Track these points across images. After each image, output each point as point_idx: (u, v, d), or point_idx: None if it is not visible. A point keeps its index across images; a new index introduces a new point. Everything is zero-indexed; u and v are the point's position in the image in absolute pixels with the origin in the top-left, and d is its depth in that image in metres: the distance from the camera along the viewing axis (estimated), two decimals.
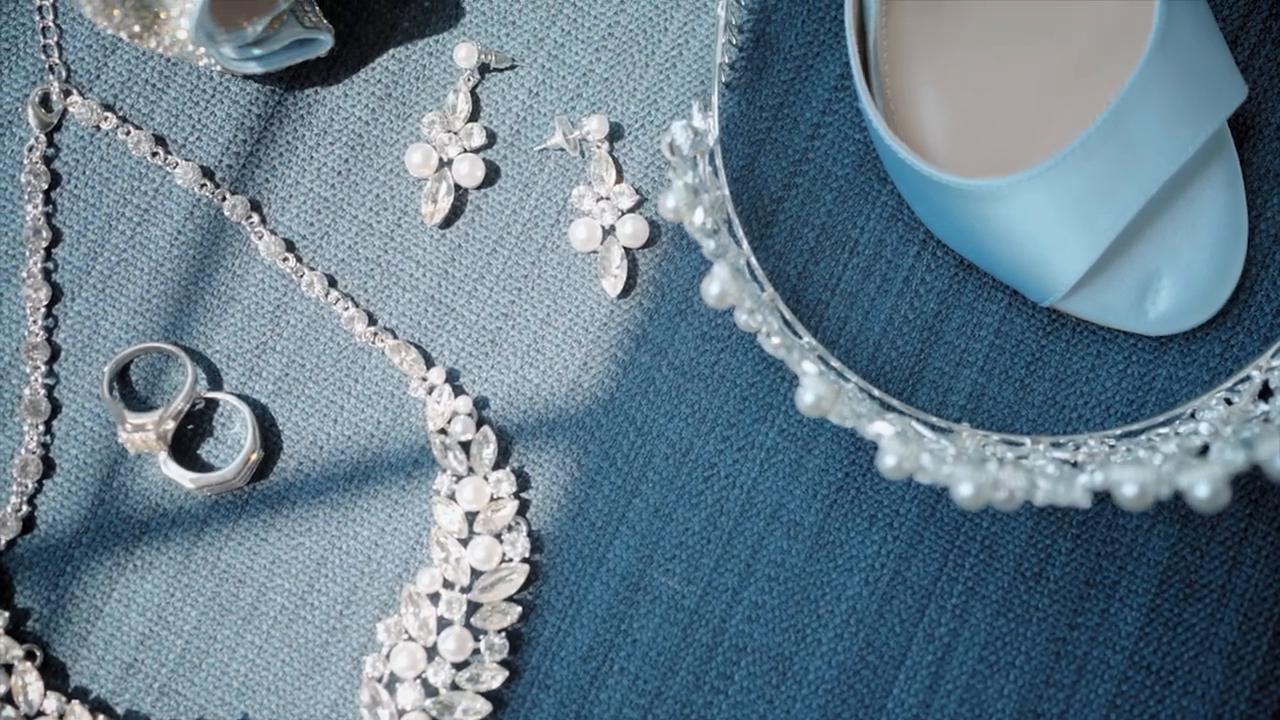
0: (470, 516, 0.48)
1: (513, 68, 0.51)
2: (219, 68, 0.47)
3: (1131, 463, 0.40)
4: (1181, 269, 0.47)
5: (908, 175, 0.48)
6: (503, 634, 0.47)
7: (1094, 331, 0.49)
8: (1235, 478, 0.47)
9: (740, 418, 0.49)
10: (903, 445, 0.41)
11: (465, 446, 0.48)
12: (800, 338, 0.48)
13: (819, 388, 0.41)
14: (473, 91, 0.51)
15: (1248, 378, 0.47)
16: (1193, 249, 0.48)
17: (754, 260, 0.48)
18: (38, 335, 0.48)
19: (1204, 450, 0.44)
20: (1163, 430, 0.46)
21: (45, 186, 0.48)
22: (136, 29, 0.43)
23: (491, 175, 0.51)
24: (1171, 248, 0.47)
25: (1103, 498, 0.47)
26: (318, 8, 0.49)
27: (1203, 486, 0.37)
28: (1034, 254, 0.46)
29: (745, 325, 0.44)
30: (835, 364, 0.48)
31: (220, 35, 0.44)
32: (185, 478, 0.47)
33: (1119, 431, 0.47)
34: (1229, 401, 0.46)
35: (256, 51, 0.46)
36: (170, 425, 0.47)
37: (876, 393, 0.48)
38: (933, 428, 0.47)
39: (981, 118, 0.48)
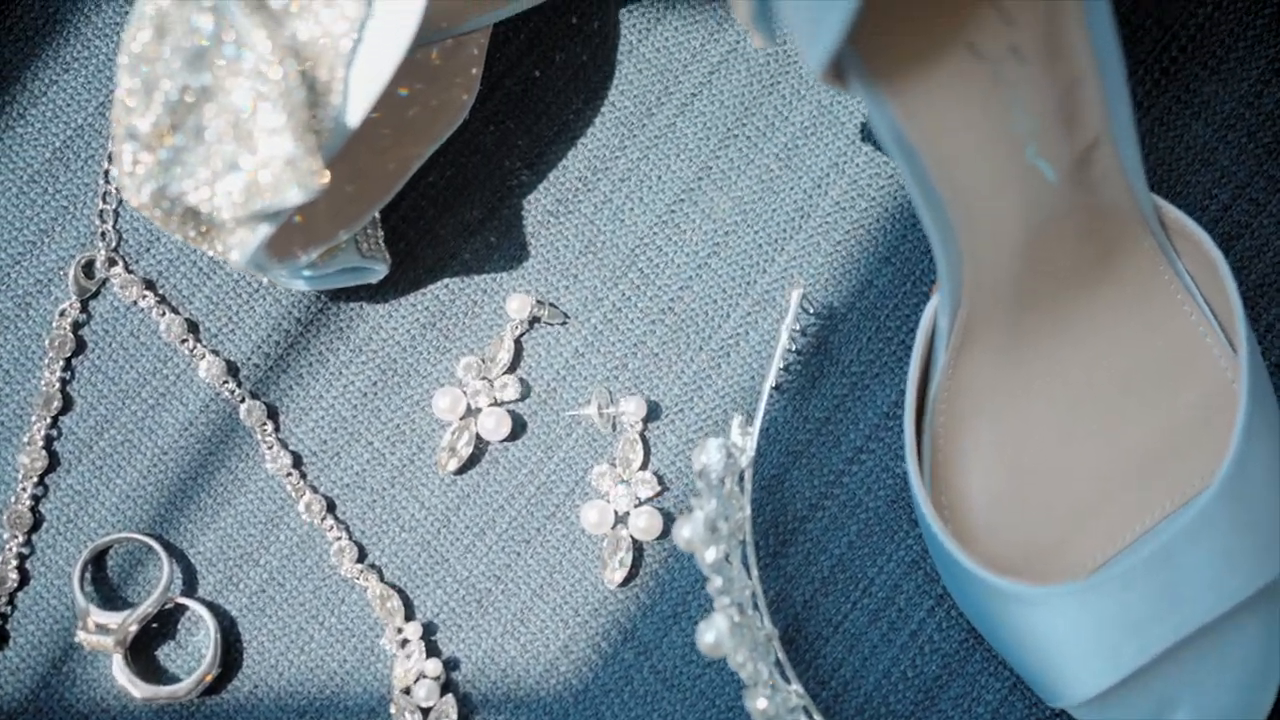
0: None
1: (564, 324, 0.50)
2: (266, 279, 0.46)
3: None
4: (1202, 705, 0.45)
5: (934, 544, 0.45)
6: None
7: None
8: None
9: None
10: None
11: (425, 713, 0.46)
12: (790, 684, 0.46)
13: None
14: (517, 340, 0.49)
15: None
16: (1217, 687, 0.45)
17: (759, 591, 0.46)
18: (23, 504, 0.47)
19: None
20: None
21: (68, 354, 0.47)
22: (193, 234, 0.42)
23: (517, 429, 0.49)
24: (1195, 680, 0.45)
25: None
26: (380, 233, 0.48)
27: None
28: (1049, 661, 0.44)
29: (735, 667, 0.42)
30: (818, 719, 0.45)
31: (272, 264, 0.43)
32: (134, 685, 0.45)
33: None
34: None
35: (306, 273, 0.45)
36: (133, 629, 0.45)
37: None
38: None
39: (1029, 497, 0.46)
